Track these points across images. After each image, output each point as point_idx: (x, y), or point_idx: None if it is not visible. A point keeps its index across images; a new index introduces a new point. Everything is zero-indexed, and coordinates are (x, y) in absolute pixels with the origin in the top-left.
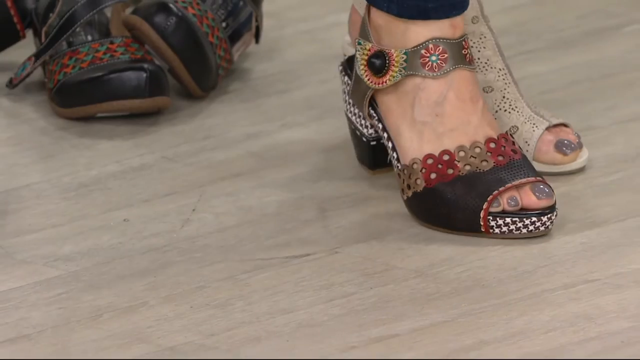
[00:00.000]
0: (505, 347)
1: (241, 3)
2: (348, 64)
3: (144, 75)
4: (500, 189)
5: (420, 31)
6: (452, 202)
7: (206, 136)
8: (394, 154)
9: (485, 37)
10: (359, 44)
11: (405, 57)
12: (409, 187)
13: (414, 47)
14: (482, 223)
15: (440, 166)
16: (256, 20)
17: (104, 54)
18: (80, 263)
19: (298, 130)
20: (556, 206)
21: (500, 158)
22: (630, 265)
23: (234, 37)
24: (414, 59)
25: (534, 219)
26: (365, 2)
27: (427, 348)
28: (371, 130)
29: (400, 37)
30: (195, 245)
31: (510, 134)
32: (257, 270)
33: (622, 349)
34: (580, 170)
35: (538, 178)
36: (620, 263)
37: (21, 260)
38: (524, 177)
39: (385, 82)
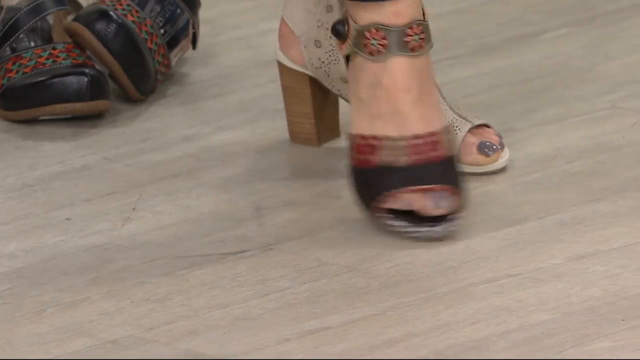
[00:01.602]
0: (432, 339)
1: (178, 10)
2: None
3: (85, 79)
4: (397, 190)
5: (366, 14)
6: (360, 187)
7: (145, 138)
8: None
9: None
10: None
11: (355, 33)
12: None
13: (360, 27)
14: (371, 218)
15: (366, 149)
16: (193, 27)
17: (47, 59)
18: (24, 260)
19: (233, 132)
20: (457, 216)
21: (416, 157)
22: (550, 260)
23: (172, 43)
24: (360, 39)
25: (425, 226)
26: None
27: (357, 340)
28: None
29: (354, 15)
30: (136, 243)
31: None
32: (195, 266)
33: (542, 340)
34: (502, 170)
35: (444, 186)
36: (540, 258)
37: None
38: (430, 183)
39: (344, 49)
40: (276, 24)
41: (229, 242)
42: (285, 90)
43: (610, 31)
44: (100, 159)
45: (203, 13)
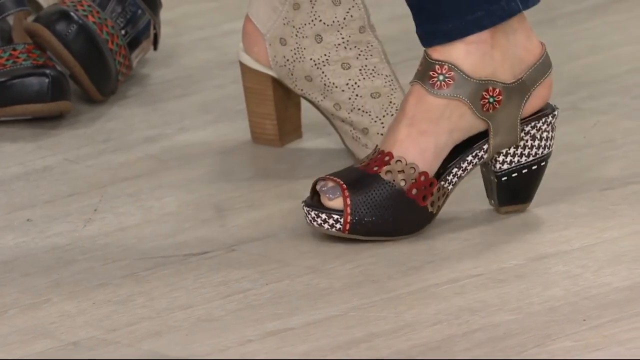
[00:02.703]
0: (395, 339)
1: (139, 11)
2: None
3: (46, 80)
4: (317, 180)
5: None
6: None
7: (107, 139)
8: None
9: (372, 45)
10: None
11: None
12: None
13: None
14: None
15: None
16: (154, 28)
17: (7, 60)
18: None
19: (195, 133)
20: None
21: (364, 164)
22: (511, 260)
23: (133, 44)
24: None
25: (327, 217)
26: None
27: (320, 341)
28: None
29: None
30: (97, 244)
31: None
32: (158, 267)
33: (504, 340)
34: None
35: (341, 183)
36: (502, 259)
37: None
38: (334, 177)
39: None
40: (238, 25)
41: (191, 244)
42: (247, 90)
43: (571, 32)
44: (62, 160)
45: (164, 14)
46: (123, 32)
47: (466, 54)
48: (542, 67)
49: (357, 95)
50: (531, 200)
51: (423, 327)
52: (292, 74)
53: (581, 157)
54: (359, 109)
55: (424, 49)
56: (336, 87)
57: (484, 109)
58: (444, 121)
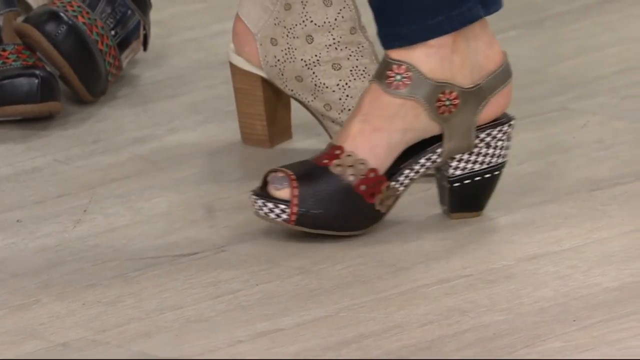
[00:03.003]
0: (384, 340)
1: (129, 12)
2: None
3: (36, 81)
4: (269, 171)
5: None
6: None
7: (96, 140)
8: None
9: (362, 46)
10: None
11: None
12: None
13: None
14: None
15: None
16: (144, 29)
17: None
18: None
19: (185, 133)
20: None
21: (316, 157)
22: (501, 261)
23: (123, 44)
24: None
25: (273, 207)
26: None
27: (310, 341)
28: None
29: None
30: (87, 245)
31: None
32: (147, 268)
33: (494, 341)
34: None
35: (290, 174)
36: (491, 259)
37: None
38: (292, 173)
39: None
40: (228, 25)
41: (181, 244)
42: (237, 91)
43: (560, 33)
44: (51, 161)
45: (154, 14)
46: (113, 32)
47: (425, 56)
48: (502, 75)
49: (347, 95)
50: (483, 209)
51: (413, 328)
52: (282, 74)
53: (570, 157)
54: (349, 110)
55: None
56: (327, 87)
57: (440, 112)
58: (398, 120)
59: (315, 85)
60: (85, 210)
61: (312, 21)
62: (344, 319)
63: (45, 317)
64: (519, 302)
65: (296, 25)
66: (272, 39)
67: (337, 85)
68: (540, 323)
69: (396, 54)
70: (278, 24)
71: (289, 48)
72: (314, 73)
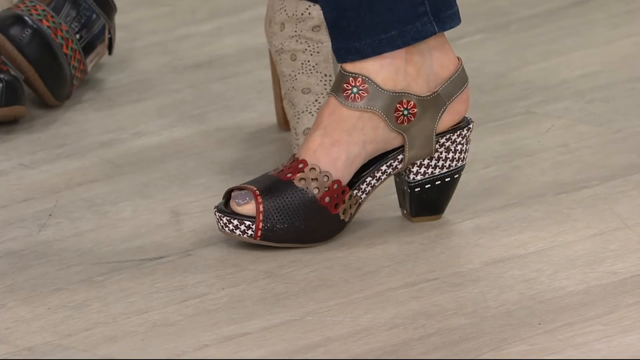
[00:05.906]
0: (351, 344)
1: (94, 16)
2: None
3: (0, 85)
4: (232, 188)
5: None
6: None
7: (62, 144)
8: None
9: (322, 44)
10: None
11: None
12: None
13: None
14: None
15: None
16: (109, 32)
17: None
18: None
19: (151, 137)
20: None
21: (278, 171)
22: (467, 265)
23: (88, 48)
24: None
25: (238, 223)
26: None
27: (277, 345)
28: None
29: None
30: (52, 249)
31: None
32: (113, 272)
33: (460, 344)
34: None
35: (254, 189)
36: (457, 263)
37: None
38: (254, 187)
39: None
40: (193, 29)
41: (147, 248)
42: (275, 76)
43: (524, 37)
44: (16, 165)
45: (119, 18)
46: (78, 36)
47: (380, 67)
48: (458, 81)
49: (293, 87)
50: (443, 212)
51: (379, 332)
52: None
53: (535, 161)
54: (290, 101)
55: None
56: (284, 75)
57: (398, 121)
58: (356, 132)
59: (280, 71)
60: (50, 215)
61: (285, 11)
62: (310, 322)
63: (11, 321)
64: (484, 305)
65: (276, 11)
66: (272, 22)
67: (290, 75)
68: (506, 326)
69: (351, 66)
70: (278, 9)
71: (272, 33)
72: (280, 59)
